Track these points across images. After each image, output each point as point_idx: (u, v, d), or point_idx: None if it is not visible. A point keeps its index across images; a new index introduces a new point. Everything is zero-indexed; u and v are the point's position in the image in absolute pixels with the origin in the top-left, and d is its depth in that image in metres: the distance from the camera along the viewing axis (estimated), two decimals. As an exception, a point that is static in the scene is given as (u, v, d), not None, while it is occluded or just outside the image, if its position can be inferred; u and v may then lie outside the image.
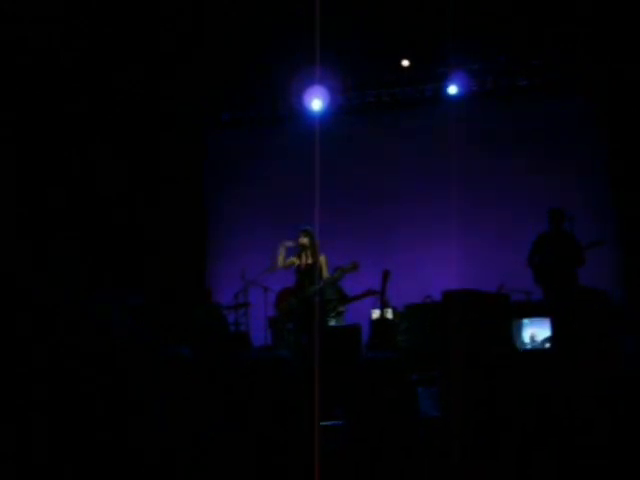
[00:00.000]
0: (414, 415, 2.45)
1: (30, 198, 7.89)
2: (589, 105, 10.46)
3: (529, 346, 6.01)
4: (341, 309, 9.14)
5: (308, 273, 8.00)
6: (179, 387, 2.69)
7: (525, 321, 6.12)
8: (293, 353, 7.89)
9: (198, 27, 9.34)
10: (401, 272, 9.23)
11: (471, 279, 9.48)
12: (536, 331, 6.06)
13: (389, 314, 8.76)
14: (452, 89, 10.71)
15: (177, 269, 10.62)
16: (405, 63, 10.66)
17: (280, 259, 8.07)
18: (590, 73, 10.16)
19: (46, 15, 7.56)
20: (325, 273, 8.05)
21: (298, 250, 8.09)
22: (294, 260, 8.11)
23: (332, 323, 8.89)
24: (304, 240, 8.03)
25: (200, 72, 10.37)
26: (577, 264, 8.38)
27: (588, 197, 10.20)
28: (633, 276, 9.57)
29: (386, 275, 8.36)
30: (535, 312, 6.61)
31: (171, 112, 10.98)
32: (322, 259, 8.04)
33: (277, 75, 10.72)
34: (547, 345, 5.95)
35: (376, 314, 8.75)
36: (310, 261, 7.99)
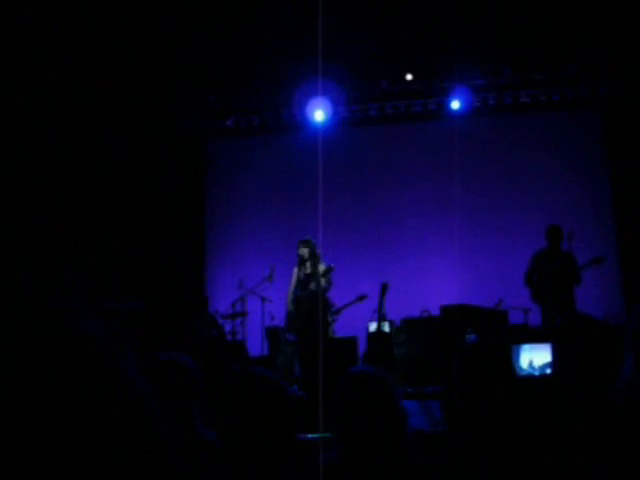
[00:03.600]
0: (399, 430, 2.44)
1: (30, 201, 7.87)
2: (592, 119, 10.49)
3: (526, 372, 5.96)
4: (329, 320, 9.11)
5: (307, 283, 8.03)
6: (175, 394, 2.68)
7: (525, 346, 6.07)
8: (289, 364, 7.89)
9: (203, 33, 9.37)
10: (399, 285, 9.23)
11: (470, 293, 9.49)
12: (534, 357, 6.01)
13: (386, 327, 8.73)
14: (455, 104, 10.74)
15: (176, 276, 10.61)
16: (409, 77, 10.70)
17: (291, 290, 8.18)
18: (594, 85, 10.20)
19: (46, 15, 7.57)
20: (322, 282, 8.07)
21: (298, 261, 8.11)
22: (297, 274, 8.13)
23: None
24: (304, 251, 8.05)
25: (204, 78, 10.40)
26: (574, 283, 8.37)
27: (590, 212, 10.21)
28: (632, 293, 9.55)
29: (384, 288, 8.36)
30: (533, 337, 6.57)
31: (173, 118, 10.99)
32: (322, 268, 8.06)
33: (281, 85, 10.75)
34: (547, 371, 5.91)
35: (373, 327, 8.74)
36: (309, 271, 8.01)
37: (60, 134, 8.51)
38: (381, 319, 8.43)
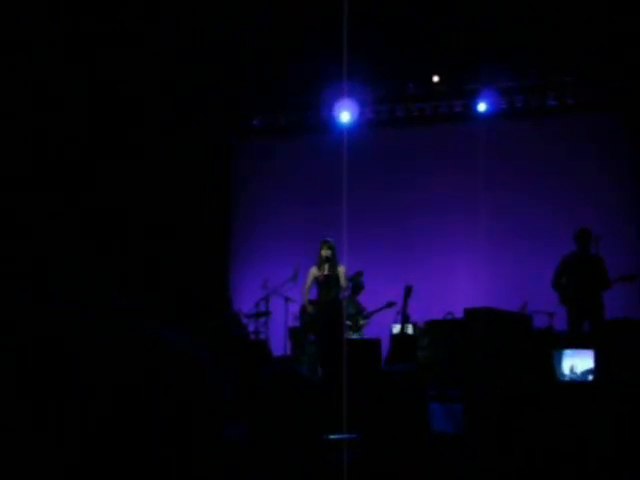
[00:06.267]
0: (424, 430, 2.43)
1: (53, 198, 7.91)
2: (620, 124, 10.39)
3: (568, 378, 5.85)
4: (362, 322, 9.16)
5: (326, 284, 8.03)
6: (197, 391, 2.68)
7: (567, 352, 5.95)
8: (312, 364, 7.90)
9: (232, 34, 9.40)
10: (424, 287, 9.20)
11: (494, 296, 9.43)
12: (576, 362, 5.89)
13: (410, 329, 8.72)
14: (481, 106, 10.69)
15: (199, 276, 10.64)
16: (435, 79, 10.66)
17: (307, 289, 8.19)
18: (623, 90, 10.11)
19: (55, 15, 7.62)
20: (343, 283, 8.07)
21: (320, 261, 8.11)
22: (315, 273, 8.13)
23: (354, 337, 8.89)
24: (327, 252, 8.04)
25: (233, 77, 10.43)
26: (603, 287, 8.24)
27: (618, 215, 10.11)
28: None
29: (408, 290, 8.35)
30: (576, 342, 6.46)
31: (200, 116, 11.03)
32: (341, 270, 8.06)
33: (308, 86, 10.76)
34: (589, 377, 5.81)
35: (397, 329, 8.73)
36: (327, 273, 8.00)
37: (93, 132, 8.56)
38: (405, 321, 8.42)
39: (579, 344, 6.14)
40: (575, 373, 5.80)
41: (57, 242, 7.34)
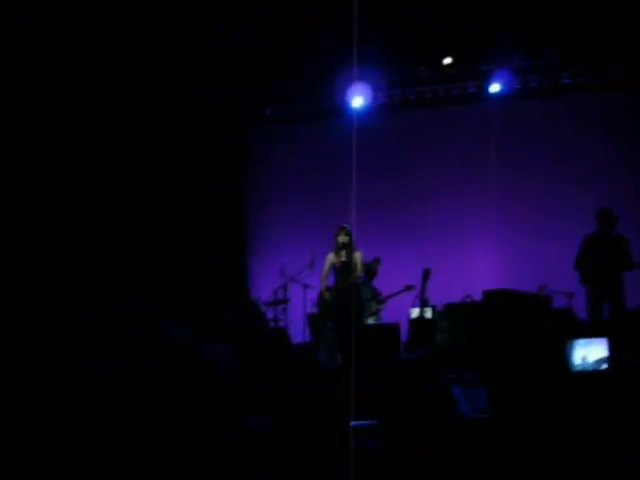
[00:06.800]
0: (450, 415, 2.43)
1: (67, 192, 7.93)
2: (633, 104, 10.30)
3: (580, 367, 5.82)
4: (377, 307, 9.16)
5: (343, 270, 8.00)
6: (217, 384, 2.70)
7: (580, 341, 5.91)
8: (331, 351, 7.91)
9: (243, 23, 9.38)
10: (442, 270, 9.18)
11: (512, 277, 9.40)
12: (588, 351, 5.86)
13: (428, 313, 8.71)
14: (494, 87, 10.62)
15: (217, 265, 10.67)
16: (447, 60, 10.59)
17: (324, 276, 8.17)
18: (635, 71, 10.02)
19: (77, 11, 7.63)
20: (359, 269, 8.05)
21: (336, 248, 8.10)
22: (332, 259, 8.11)
23: (370, 322, 8.89)
24: (344, 238, 8.02)
25: (244, 66, 10.42)
26: (625, 267, 8.14)
27: (634, 194, 10.03)
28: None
29: (427, 273, 8.32)
30: (588, 331, 6.43)
31: (213, 106, 11.02)
32: (358, 255, 8.04)
33: (320, 71, 10.72)
34: (602, 366, 5.78)
35: (415, 313, 8.72)
36: (345, 259, 7.98)
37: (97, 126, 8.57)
38: (423, 305, 8.40)
39: (594, 334, 6.11)
40: (587, 362, 5.77)
41: (57, 242, 7.36)
